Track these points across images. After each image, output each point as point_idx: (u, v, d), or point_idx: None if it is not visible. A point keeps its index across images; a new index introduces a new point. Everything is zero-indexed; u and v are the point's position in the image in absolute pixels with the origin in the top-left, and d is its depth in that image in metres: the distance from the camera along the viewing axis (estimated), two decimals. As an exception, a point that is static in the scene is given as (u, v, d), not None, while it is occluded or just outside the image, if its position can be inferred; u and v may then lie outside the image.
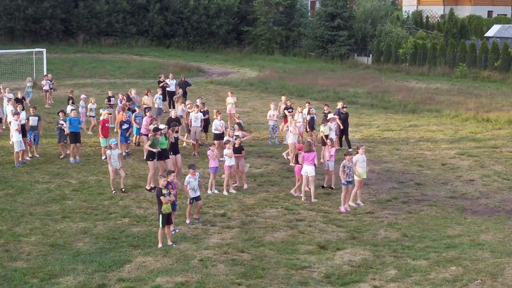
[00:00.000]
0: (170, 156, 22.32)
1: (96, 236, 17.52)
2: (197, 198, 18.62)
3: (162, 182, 16.89)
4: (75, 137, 25.18)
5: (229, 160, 21.53)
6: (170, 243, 16.87)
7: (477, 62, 53.90)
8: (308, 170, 20.91)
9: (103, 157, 25.04)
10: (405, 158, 26.86)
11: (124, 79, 48.71)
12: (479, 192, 22.24)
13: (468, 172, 24.79)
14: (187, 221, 18.57)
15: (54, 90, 37.85)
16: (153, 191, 21.63)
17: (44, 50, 44.50)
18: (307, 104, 28.48)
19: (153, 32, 67.22)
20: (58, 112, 26.14)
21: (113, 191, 21.37)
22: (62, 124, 25.28)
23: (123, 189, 21.56)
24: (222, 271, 15.26)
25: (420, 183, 23.31)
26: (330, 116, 26.78)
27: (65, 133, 25.28)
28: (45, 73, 41.87)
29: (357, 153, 20.74)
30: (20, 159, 24.66)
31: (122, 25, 65.86)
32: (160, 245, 16.76)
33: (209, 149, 21.77)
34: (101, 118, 25.90)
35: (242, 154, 22.32)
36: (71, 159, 25.18)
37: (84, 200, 20.68)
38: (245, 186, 22.24)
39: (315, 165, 21.01)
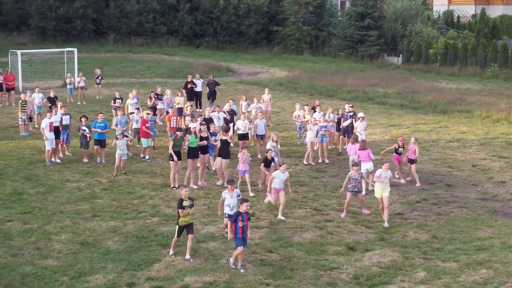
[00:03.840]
0: (199, 155, 22.41)
1: (126, 235, 17.63)
2: (230, 216, 16.90)
3: (184, 192, 16.09)
4: (99, 142, 25.04)
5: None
6: (188, 257, 16.06)
7: (509, 62, 53.32)
8: (367, 166, 21.83)
9: (142, 155, 25.78)
10: (435, 159, 26.67)
11: (154, 78, 48.98)
12: (510, 194, 22.01)
13: (499, 173, 24.55)
14: (229, 236, 17.07)
15: (85, 89, 38.26)
16: (174, 189, 21.87)
17: (75, 50, 44.90)
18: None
19: (183, 32, 67.49)
20: (81, 118, 25.77)
21: (114, 175, 23.30)
22: (85, 130, 24.95)
23: (124, 172, 23.49)
24: (251, 271, 15.28)
25: (450, 185, 23.13)
26: (360, 115, 26.80)
27: (88, 139, 25.10)
28: (76, 72, 42.26)
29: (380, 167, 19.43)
30: (52, 158, 24.92)
31: (152, 25, 66.21)
32: (171, 252, 16.24)
33: (241, 151, 21.55)
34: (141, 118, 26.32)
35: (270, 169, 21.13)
36: (98, 158, 25.22)
37: (114, 199, 20.82)
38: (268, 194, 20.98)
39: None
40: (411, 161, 23.14)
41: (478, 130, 32.28)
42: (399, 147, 23.46)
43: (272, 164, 21.19)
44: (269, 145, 22.92)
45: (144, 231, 17.94)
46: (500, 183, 23.32)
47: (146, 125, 25.60)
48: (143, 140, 25.77)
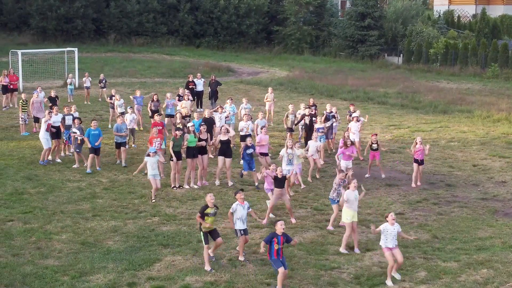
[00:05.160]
0: (198, 156, 22.35)
1: (126, 234, 17.64)
2: (244, 231, 16.01)
3: (209, 198, 15.54)
4: (94, 150, 23.88)
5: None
6: (241, 258, 15.87)
7: (509, 62, 53.33)
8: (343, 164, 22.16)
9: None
10: (436, 159, 26.66)
11: (154, 78, 48.98)
12: (511, 194, 22.00)
13: (499, 173, 24.54)
14: (241, 258, 15.96)
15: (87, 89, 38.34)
16: (175, 189, 21.82)
17: (75, 50, 44.96)
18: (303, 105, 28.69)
19: (183, 32, 67.49)
20: (74, 119, 25.09)
21: (153, 200, 20.52)
22: (75, 133, 24.36)
23: (153, 200, 20.59)
24: (251, 271, 15.28)
25: (451, 184, 23.12)
26: (354, 114, 26.75)
27: (79, 142, 24.26)
28: (77, 72, 42.32)
29: (348, 188, 17.19)
30: (47, 158, 24.81)
31: (152, 25, 66.22)
32: (207, 267, 15.37)
33: (268, 168, 19.82)
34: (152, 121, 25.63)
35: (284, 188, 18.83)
36: (89, 169, 23.74)
37: (115, 198, 20.82)
38: (293, 220, 18.91)
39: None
40: (421, 162, 22.81)
41: (478, 130, 32.27)
42: (372, 143, 23.56)
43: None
44: (282, 152, 21.17)
45: (144, 231, 17.95)
46: (500, 183, 23.31)
47: (159, 128, 24.34)
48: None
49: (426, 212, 20.05)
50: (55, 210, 19.53)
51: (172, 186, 21.97)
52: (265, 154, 22.75)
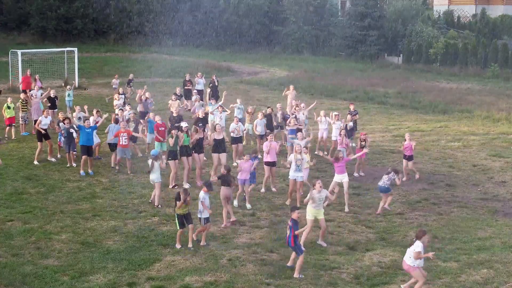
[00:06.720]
0: (193, 154, 22.34)
1: (126, 234, 17.63)
2: (208, 220, 16.91)
3: (185, 186, 16.60)
4: (87, 150, 23.48)
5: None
6: (190, 245, 16.62)
7: (509, 62, 53.31)
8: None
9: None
10: (436, 159, 26.66)
11: (154, 78, 48.90)
12: (510, 194, 22.01)
13: (499, 173, 24.54)
14: (190, 245, 16.70)
15: (85, 89, 38.18)
16: (176, 188, 21.76)
17: (75, 50, 44.90)
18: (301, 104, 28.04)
19: (183, 32, 67.39)
20: (64, 119, 24.58)
21: (156, 205, 20.10)
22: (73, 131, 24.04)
23: (158, 206, 19.97)
24: (251, 271, 15.28)
25: (451, 184, 23.12)
26: (334, 113, 26.52)
27: (75, 142, 24.09)
28: (76, 72, 42.23)
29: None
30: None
31: (152, 25, 66.16)
32: (178, 245, 16.63)
33: (242, 158, 20.33)
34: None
35: (231, 187, 18.70)
36: (82, 171, 23.34)
37: (114, 198, 20.81)
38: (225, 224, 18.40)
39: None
40: (409, 158, 23.35)
41: (478, 130, 32.27)
42: (361, 141, 23.54)
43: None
44: (291, 157, 20.35)
45: (144, 230, 17.94)
46: (500, 183, 23.31)
47: (160, 129, 24.30)
48: (156, 143, 24.39)
49: (426, 212, 20.05)
50: (55, 210, 19.52)
51: (171, 185, 21.96)
52: (273, 164, 21.67)
